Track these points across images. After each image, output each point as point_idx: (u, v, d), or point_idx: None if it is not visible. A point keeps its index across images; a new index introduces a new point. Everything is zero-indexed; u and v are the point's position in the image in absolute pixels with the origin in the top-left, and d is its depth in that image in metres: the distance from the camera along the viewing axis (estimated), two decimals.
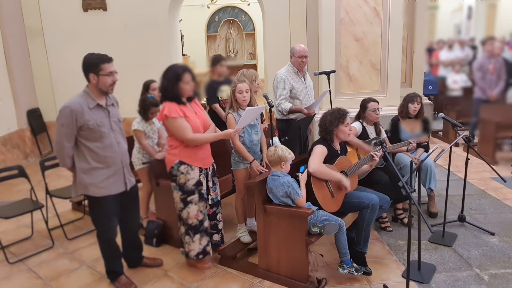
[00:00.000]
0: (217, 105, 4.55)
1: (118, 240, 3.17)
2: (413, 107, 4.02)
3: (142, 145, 3.81)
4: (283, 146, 3.12)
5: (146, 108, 3.82)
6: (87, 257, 3.66)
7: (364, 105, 3.94)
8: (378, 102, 3.92)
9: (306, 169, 3.10)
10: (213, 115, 4.53)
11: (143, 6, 6.68)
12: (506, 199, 4.53)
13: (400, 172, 3.96)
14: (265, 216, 3.13)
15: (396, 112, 4.26)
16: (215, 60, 4.66)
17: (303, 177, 3.06)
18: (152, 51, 6.77)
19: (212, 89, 4.59)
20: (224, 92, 4.58)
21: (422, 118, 4.10)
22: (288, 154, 3.05)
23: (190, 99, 3.21)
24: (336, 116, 3.27)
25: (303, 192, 3.00)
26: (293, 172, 3.12)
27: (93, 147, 2.82)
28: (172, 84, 3.05)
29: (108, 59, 2.80)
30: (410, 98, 4.05)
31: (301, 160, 3.44)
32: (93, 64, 2.77)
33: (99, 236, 3.09)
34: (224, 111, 4.23)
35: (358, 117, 4.01)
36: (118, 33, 6.72)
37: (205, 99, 4.94)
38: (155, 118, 3.93)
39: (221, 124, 4.29)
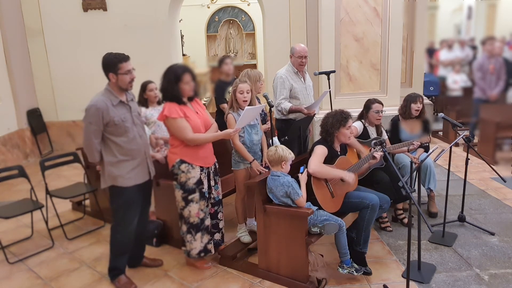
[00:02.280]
0: (225, 105, 4.59)
1: None
2: (416, 107, 4.01)
3: None
4: (284, 146, 3.12)
5: None
6: (87, 257, 3.66)
7: (368, 105, 3.92)
8: (382, 104, 3.90)
9: (306, 169, 3.11)
10: (222, 114, 4.57)
11: (143, 6, 6.68)
12: (506, 199, 4.53)
13: (399, 172, 3.96)
14: (265, 216, 3.13)
15: (396, 112, 4.25)
16: (220, 60, 4.83)
17: (303, 177, 3.06)
18: (152, 51, 6.77)
19: (220, 89, 4.68)
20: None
21: (423, 118, 4.10)
22: (289, 154, 3.06)
23: (191, 99, 3.22)
24: (338, 119, 3.26)
25: (303, 192, 3.00)
26: (293, 172, 3.12)
27: (119, 141, 2.94)
28: (172, 84, 3.07)
29: (126, 58, 2.91)
30: (412, 98, 4.04)
31: (300, 160, 3.44)
32: (112, 64, 2.87)
33: (117, 228, 3.10)
34: None
35: (360, 117, 4.01)
36: (118, 33, 6.72)
37: (205, 99, 4.99)
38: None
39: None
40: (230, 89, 4.59)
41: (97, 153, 2.95)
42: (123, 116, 2.94)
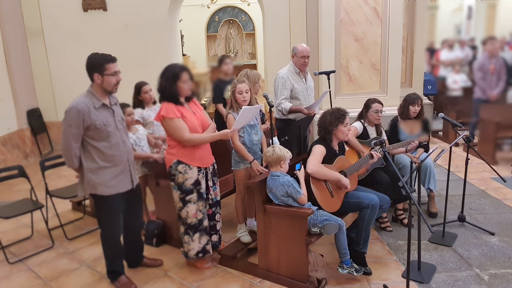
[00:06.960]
0: (220, 105, 4.59)
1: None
2: (414, 110, 4.01)
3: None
4: (280, 146, 3.14)
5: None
6: (87, 257, 3.66)
7: (368, 105, 3.92)
8: (382, 104, 3.90)
9: (302, 165, 3.11)
10: (219, 114, 4.57)
11: (143, 6, 6.68)
12: (506, 199, 4.53)
13: (399, 172, 3.96)
14: (265, 216, 3.13)
15: (396, 113, 4.25)
16: (220, 60, 4.86)
17: (301, 174, 3.07)
18: (152, 51, 6.77)
19: (218, 89, 4.70)
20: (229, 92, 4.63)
21: (422, 119, 4.10)
22: (286, 153, 3.07)
23: (188, 99, 3.21)
24: (336, 116, 3.27)
25: (303, 190, 3.00)
26: (291, 172, 3.12)
27: (100, 146, 2.84)
28: (171, 83, 3.05)
29: (113, 59, 2.83)
30: (411, 100, 4.03)
31: (299, 160, 3.43)
32: (98, 64, 2.79)
33: (105, 235, 3.08)
34: None
35: (360, 117, 4.01)
36: (118, 33, 6.73)
37: (205, 99, 5.01)
38: (140, 126, 3.92)
39: (224, 124, 4.28)
40: (228, 88, 4.60)
41: (76, 158, 2.85)
42: (106, 120, 2.84)
